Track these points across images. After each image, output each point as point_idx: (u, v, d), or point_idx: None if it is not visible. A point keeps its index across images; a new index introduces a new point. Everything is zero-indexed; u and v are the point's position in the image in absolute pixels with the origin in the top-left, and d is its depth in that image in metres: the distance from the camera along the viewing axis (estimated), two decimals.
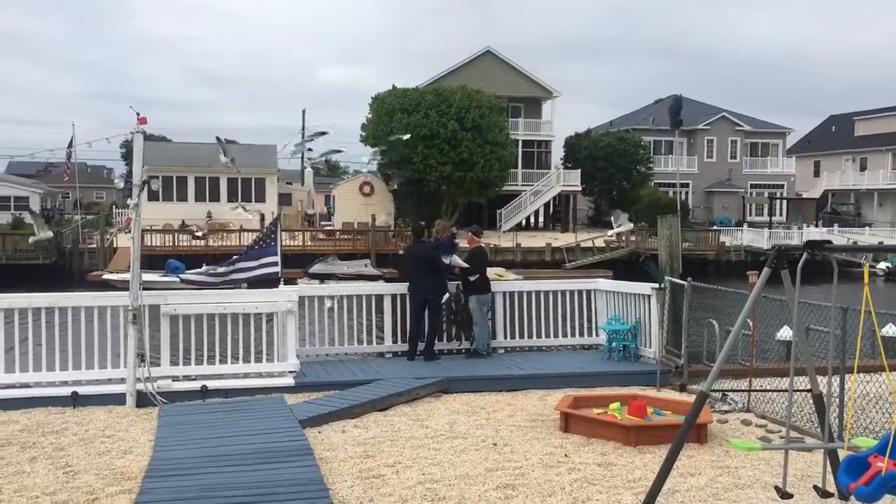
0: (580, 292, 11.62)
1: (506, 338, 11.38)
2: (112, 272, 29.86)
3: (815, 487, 4.88)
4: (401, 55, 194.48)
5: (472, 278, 10.94)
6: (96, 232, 37.74)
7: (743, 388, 8.71)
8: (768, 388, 8.35)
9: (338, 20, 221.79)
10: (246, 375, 9.51)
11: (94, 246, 36.71)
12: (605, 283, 11.76)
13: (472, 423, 8.07)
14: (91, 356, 9.07)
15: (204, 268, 12.06)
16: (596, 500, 5.82)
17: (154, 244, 36.16)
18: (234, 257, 11.65)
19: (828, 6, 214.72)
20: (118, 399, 8.75)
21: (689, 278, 10.07)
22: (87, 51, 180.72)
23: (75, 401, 8.66)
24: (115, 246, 37.27)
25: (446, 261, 10.94)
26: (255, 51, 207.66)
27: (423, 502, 5.78)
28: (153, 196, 41.98)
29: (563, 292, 11.54)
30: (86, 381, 9.04)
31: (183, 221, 43.43)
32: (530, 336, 11.46)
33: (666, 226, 11.31)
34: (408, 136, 38.09)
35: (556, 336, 11.49)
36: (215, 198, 48.45)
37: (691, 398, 8.12)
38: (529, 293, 11.54)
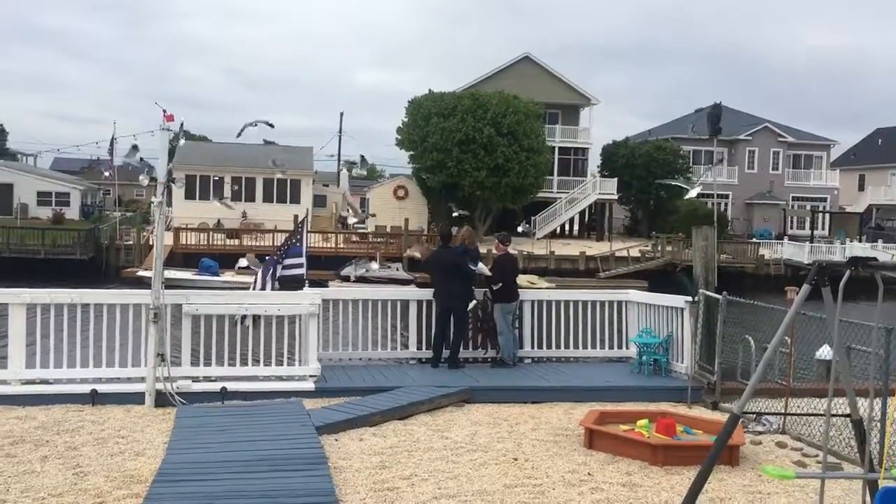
0: (611, 303, 11.32)
1: (533, 348, 11.12)
2: (146, 269, 30.14)
3: None
4: (439, 60, 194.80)
5: (494, 286, 10.69)
6: (133, 229, 38.21)
7: (779, 407, 8.34)
8: (806, 409, 7.98)
9: (378, 24, 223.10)
10: (266, 378, 9.37)
11: (131, 243, 37.17)
12: (636, 295, 11.43)
13: (494, 435, 7.82)
14: (112, 354, 9.01)
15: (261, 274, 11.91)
16: None
17: (189, 242, 36.50)
18: (267, 258, 11.56)
19: (876, 17, 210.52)
20: (137, 398, 8.65)
21: (724, 292, 9.70)
22: (134, 50, 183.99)
23: (94, 399, 8.59)
24: (150, 243, 37.66)
25: (473, 267, 10.70)
26: (295, 54, 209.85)
27: None
28: (189, 195, 42.42)
29: (594, 303, 11.26)
30: (105, 380, 8.98)
31: (218, 220, 43.78)
32: (558, 347, 11.17)
33: (701, 237, 10.90)
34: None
35: (584, 347, 11.20)
36: (251, 198, 48.77)
37: (724, 417, 7.79)
38: (559, 303, 11.26)
